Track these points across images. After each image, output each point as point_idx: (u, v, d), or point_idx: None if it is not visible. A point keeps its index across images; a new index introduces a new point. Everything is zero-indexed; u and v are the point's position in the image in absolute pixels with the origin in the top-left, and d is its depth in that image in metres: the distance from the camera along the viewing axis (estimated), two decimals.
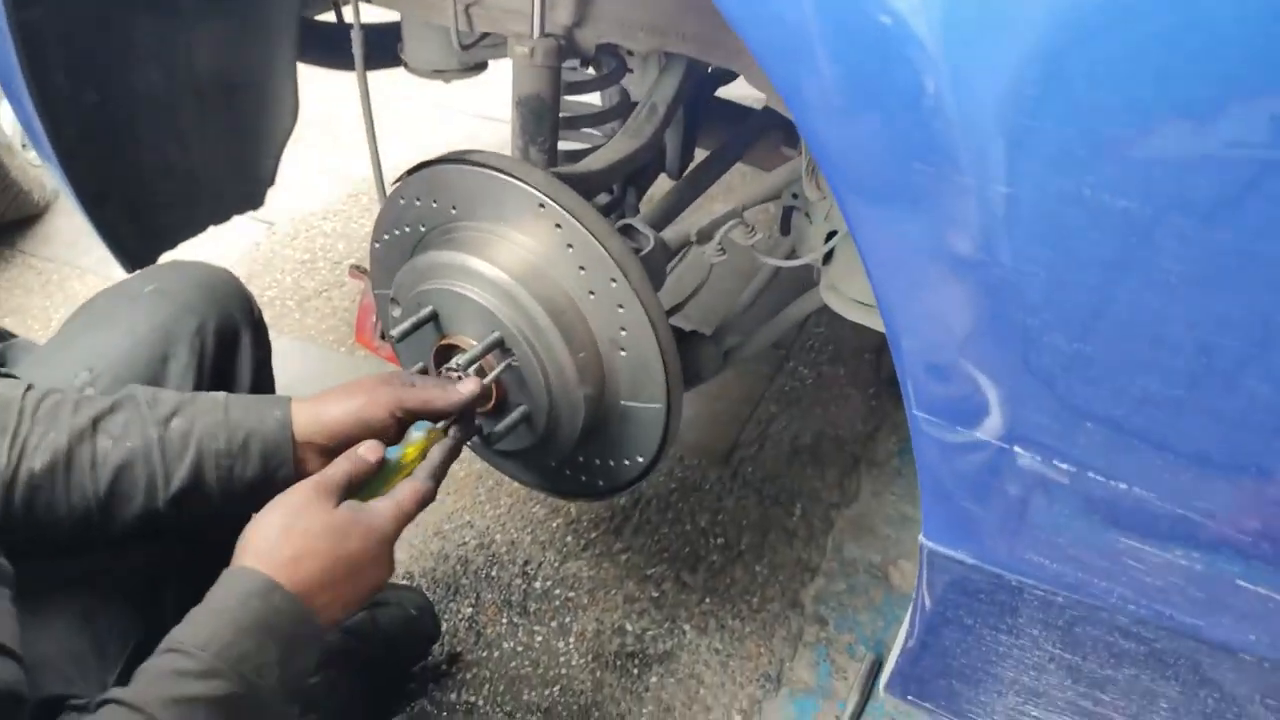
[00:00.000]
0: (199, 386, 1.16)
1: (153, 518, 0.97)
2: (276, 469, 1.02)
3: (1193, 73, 0.57)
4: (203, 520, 1.02)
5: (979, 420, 0.75)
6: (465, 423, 1.15)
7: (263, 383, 1.30)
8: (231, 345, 1.24)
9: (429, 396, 1.09)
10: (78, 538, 0.96)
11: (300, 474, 1.01)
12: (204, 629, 0.82)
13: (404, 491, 0.98)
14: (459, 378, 1.17)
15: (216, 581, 0.87)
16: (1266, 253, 0.60)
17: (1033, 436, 0.74)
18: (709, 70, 1.99)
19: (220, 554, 0.93)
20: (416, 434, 1.06)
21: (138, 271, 1.30)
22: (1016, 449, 0.75)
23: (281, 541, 0.88)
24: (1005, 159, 0.64)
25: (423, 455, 1.06)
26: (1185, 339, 0.65)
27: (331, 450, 1.03)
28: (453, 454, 1.08)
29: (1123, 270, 0.64)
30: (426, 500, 1.00)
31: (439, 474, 1.03)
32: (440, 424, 1.10)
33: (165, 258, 1.47)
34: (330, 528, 0.90)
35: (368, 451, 0.99)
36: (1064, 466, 0.73)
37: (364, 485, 1.00)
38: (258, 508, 0.97)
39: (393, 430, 1.07)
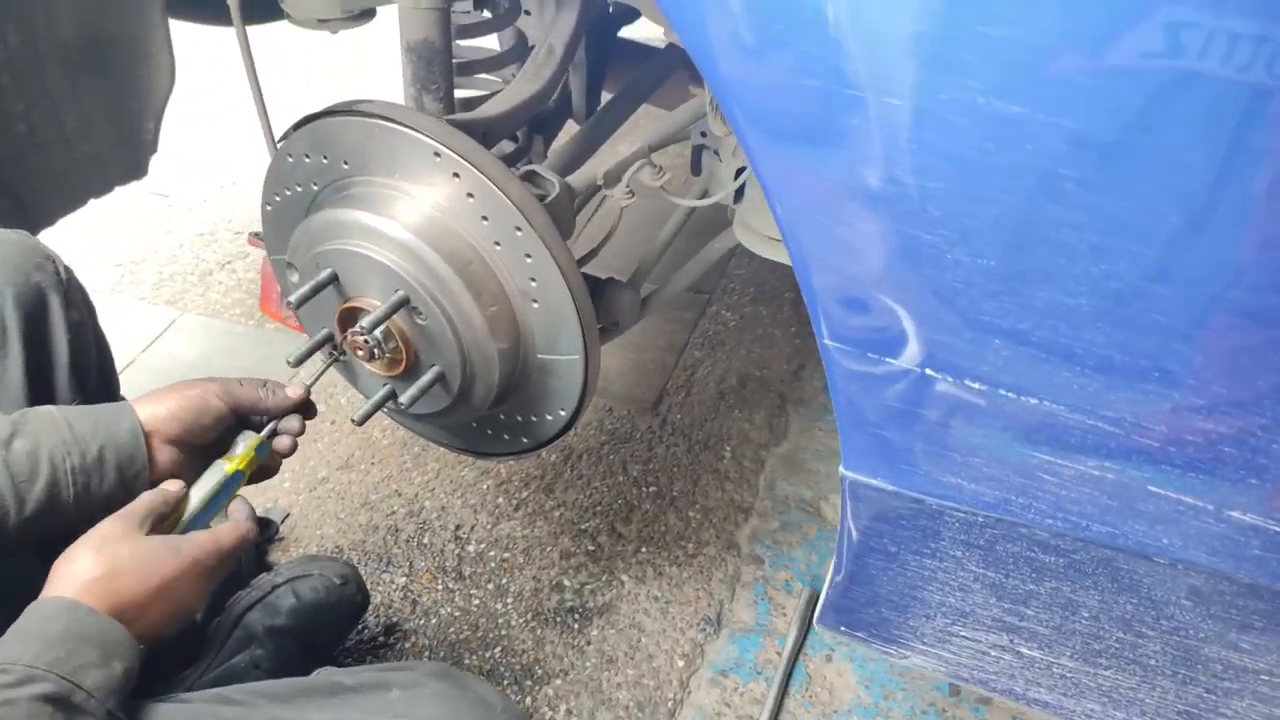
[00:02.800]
0: (15, 362, 1.12)
1: (3, 538, 0.96)
2: (134, 478, 1.03)
3: None
4: (54, 537, 0.99)
5: (890, 345, 0.74)
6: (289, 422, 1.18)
7: (85, 348, 1.23)
8: (39, 313, 1.16)
9: (257, 396, 1.13)
10: None
11: (153, 472, 1.04)
12: (10, 649, 0.83)
13: (225, 529, 1.02)
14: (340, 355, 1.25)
15: (25, 610, 0.88)
16: (1157, 152, 0.58)
17: (943, 358, 0.73)
18: (609, 9, 1.93)
19: None
20: (240, 445, 1.10)
21: None
22: (928, 372, 0.73)
23: (90, 565, 0.90)
24: (895, 78, 0.62)
25: (245, 463, 1.10)
26: (1082, 246, 0.64)
27: (180, 439, 1.06)
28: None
29: (1018, 179, 0.63)
30: (247, 538, 1.04)
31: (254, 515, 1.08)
32: (262, 432, 1.13)
33: (44, 236, 1.38)
34: (140, 553, 0.92)
35: (169, 484, 1.02)
36: (975, 386, 0.73)
37: (169, 517, 1.03)
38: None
39: (227, 421, 1.10)
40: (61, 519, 0.98)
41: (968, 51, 0.59)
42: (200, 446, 1.10)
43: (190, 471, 1.08)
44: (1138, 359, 0.66)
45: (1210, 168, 0.58)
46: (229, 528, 1.03)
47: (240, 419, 1.13)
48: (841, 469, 0.85)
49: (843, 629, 1.04)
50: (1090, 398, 0.70)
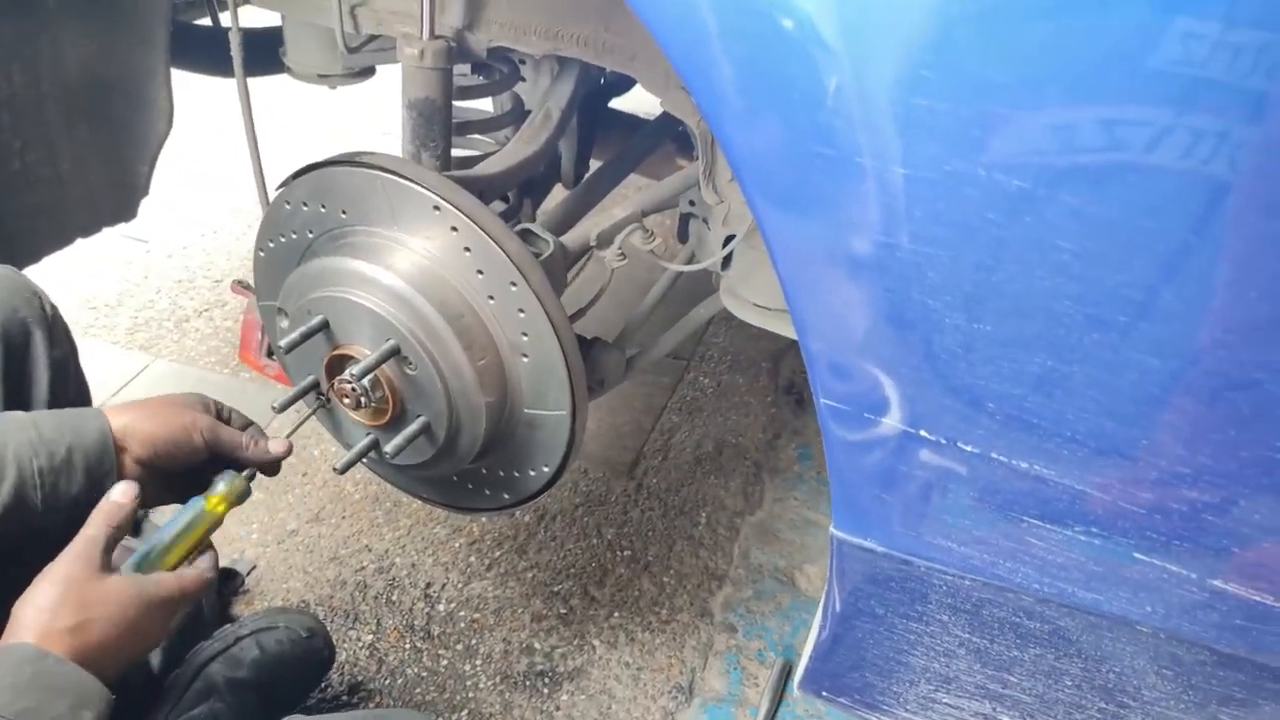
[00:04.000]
0: None
1: None
2: (103, 479, 1.02)
3: (1081, 50, 0.58)
4: (21, 538, 0.99)
5: (886, 406, 0.76)
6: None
7: (65, 385, 1.22)
8: (21, 347, 1.16)
9: (241, 443, 1.12)
10: None
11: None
12: None
13: (189, 574, 1.01)
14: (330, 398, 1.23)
15: None
16: (1154, 228, 0.62)
17: (937, 420, 0.75)
18: (602, 80, 1.99)
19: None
20: (221, 485, 1.10)
21: None
22: (923, 433, 0.75)
23: (57, 613, 0.88)
24: (905, 148, 0.65)
25: (226, 503, 1.09)
26: (1078, 316, 0.66)
27: (148, 463, 1.05)
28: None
29: (1017, 249, 0.65)
30: (210, 586, 1.04)
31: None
32: (244, 473, 1.12)
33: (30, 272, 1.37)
34: (109, 598, 0.91)
35: (121, 496, 0.99)
36: (968, 449, 0.74)
37: (133, 531, 1.07)
38: (81, 522, 0.97)
39: (201, 458, 1.10)
40: (30, 519, 0.97)
41: (974, 127, 0.62)
42: (168, 471, 1.09)
43: (151, 487, 1.06)
44: (1127, 427, 0.69)
45: (1203, 248, 0.61)
46: (193, 574, 1.02)
47: (215, 457, 1.12)
48: (831, 529, 0.85)
49: (824, 694, 1.03)
50: (1079, 464, 0.72)
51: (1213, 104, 0.58)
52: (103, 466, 1.02)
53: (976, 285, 0.67)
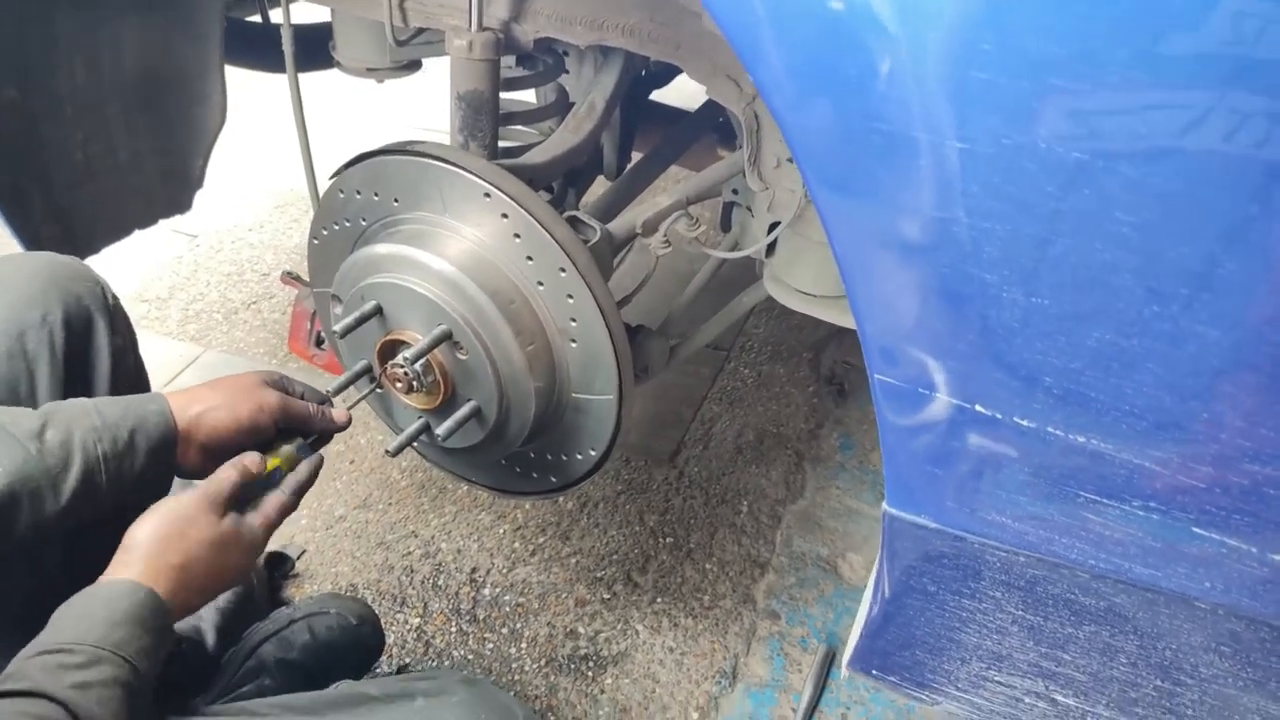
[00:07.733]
0: (56, 380, 1.14)
1: (43, 527, 0.97)
2: (165, 459, 1.05)
3: (1142, 21, 0.59)
4: (91, 520, 1.02)
5: (940, 381, 0.76)
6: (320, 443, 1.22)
7: (124, 372, 1.25)
8: (84, 334, 1.19)
9: (309, 414, 1.15)
10: None
11: (182, 465, 1.07)
12: (76, 628, 0.85)
13: (271, 505, 1.05)
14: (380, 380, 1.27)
15: (84, 590, 0.90)
16: (1213, 200, 0.62)
17: (993, 394, 0.75)
18: (644, 72, 2.00)
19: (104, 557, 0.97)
20: (286, 447, 1.13)
21: None
22: (978, 408, 0.76)
23: (167, 547, 0.94)
24: (961, 124, 0.66)
25: (288, 466, 1.12)
26: (1137, 289, 0.66)
27: (208, 447, 1.08)
28: (314, 475, 1.14)
29: (1075, 222, 0.66)
30: (288, 512, 1.08)
31: (302, 490, 1.10)
32: (308, 439, 1.16)
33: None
34: (216, 542, 0.97)
35: (252, 464, 1.05)
36: (1024, 423, 0.75)
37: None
38: (146, 501, 1.01)
39: (271, 435, 1.13)
40: (97, 502, 1.00)
41: (1032, 100, 0.63)
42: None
43: (211, 465, 1.09)
44: (1187, 400, 0.69)
45: (1264, 218, 0.61)
46: (275, 504, 1.06)
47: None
48: (884, 505, 0.86)
49: (874, 672, 1.04)
50: (1138, 437, 0.72)
51: (1269, 79, 0.58)
52: (165, 447, 1.05)
53: (1033, 260, 0.68)
